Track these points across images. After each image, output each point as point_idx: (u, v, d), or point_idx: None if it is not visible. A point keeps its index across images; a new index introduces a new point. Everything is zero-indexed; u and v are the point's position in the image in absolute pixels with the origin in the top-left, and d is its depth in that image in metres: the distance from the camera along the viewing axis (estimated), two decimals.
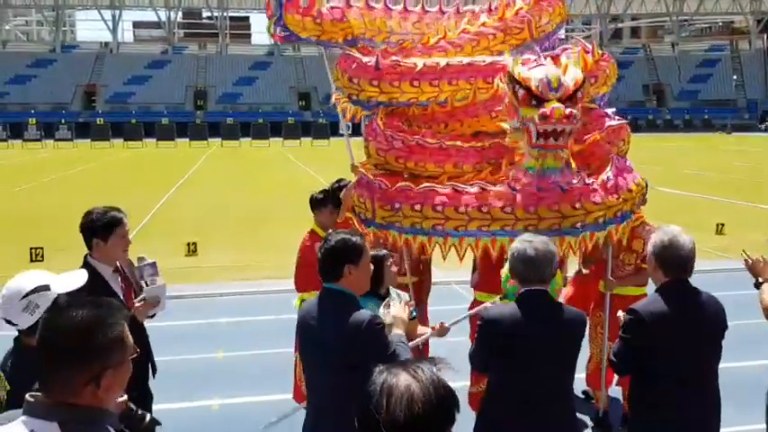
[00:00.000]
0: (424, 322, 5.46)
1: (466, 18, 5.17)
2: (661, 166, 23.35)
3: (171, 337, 6.97)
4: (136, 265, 3.71)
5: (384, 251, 4.10)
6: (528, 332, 3.01)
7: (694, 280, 3.28)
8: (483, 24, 5.05)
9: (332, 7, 4.85)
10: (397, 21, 4.97)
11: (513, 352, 3.04)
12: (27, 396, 1.69)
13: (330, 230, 4.86)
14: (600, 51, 4.71)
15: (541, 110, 3.91)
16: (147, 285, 3.66)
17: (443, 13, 5.17)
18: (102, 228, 3.57)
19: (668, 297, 3.12)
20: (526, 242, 3.09)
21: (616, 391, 5.31)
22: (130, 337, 1.74)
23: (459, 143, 4.51)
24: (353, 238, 3.05)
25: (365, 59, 4.55)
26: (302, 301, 5.13)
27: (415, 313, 4.09)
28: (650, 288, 5.06)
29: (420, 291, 5.24)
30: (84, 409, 1.64)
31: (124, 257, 3.73)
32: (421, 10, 5.13)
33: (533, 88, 3.97)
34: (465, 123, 4.71)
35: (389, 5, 5.03)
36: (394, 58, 4.62)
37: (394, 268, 4.01)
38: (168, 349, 6.50)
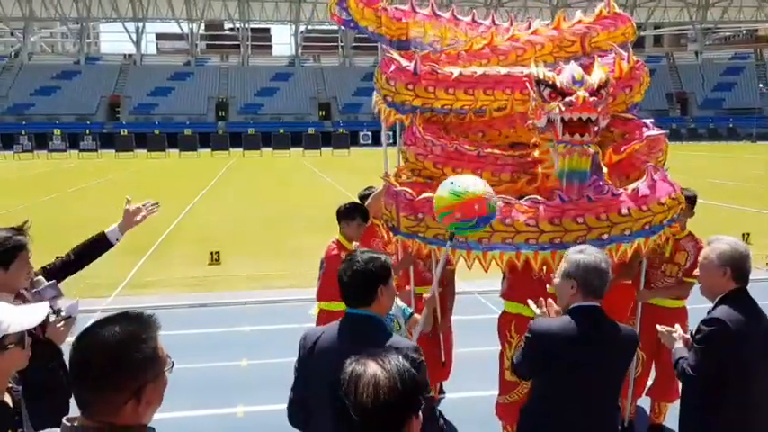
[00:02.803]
0: (447, 333, 5.45)
1: (516, 24, 5.14)
2: (685, 175, 23.04)
3: (194, 345, 7.03)
4: (33, 289, 3.34)
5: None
6: (578, 349, 2.96)
7: None
8: (535, 32, 5.01)
9: (396, 8, 4.99)
10: (464, 31, 5.04)
11: (559, 368, 2.99)
12: (64, 420, 1.66)
13: (354, 247, 4.83)
14: (634, 58, 4.68)
15: (567, 98, 3.95)
16: (52, 309, 3.24)
17: (511, 26, 5.18)
18: (3, 254, 3.13)
19: (739, 304, 3.14)
20: (591, 255, 3.03)
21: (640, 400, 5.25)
22: (164, 348, 1.71)
23: (497, 151, 4.52)
24: (382, 257, 2.82)
25: (404, 63, 4.59)
26: (321, 310, 5.13)
27: (408, 311, 3.89)
28: (692, 301, 5.05)
29: (444, 301, 5.22)
30: (127, 428, 1.63)
31: (25, 284, 3.31)
32: (490, 22, 5.16)
33: (558, 83, 4.01)
34: (503, 133, 4.72)
35: (457, 16, 5.10)
36: (432, 64, 4.64)
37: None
38: (192, 357, 6.56)
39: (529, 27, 5.06)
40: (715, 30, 77.87)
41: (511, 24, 5.16)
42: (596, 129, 4.06)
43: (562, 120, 3.97)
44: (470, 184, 3.74)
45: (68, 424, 1.64)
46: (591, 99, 3.93)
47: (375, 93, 4.82)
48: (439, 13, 5.04)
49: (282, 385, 5.86)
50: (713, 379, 3.13)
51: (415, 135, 4.51)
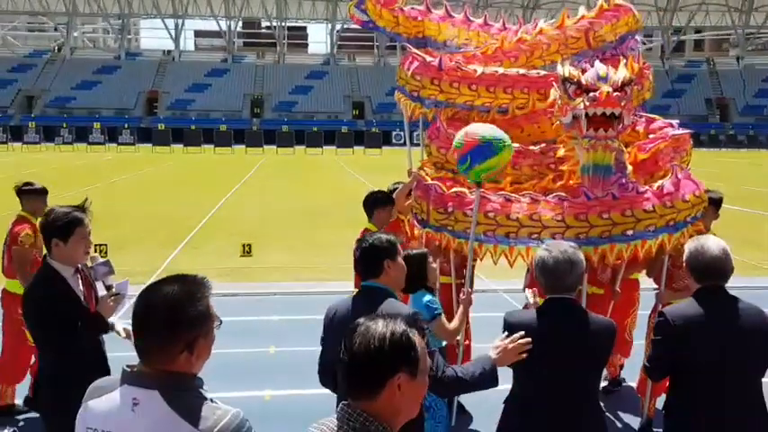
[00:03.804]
0: (467, 328, 5.54)
1: (523, 27, 5.31)
2: (723, 182, 22.73)
3: (225, 332, 7.23)
4: (89, 265, 3.57)
5: (424, 249, 4.22)
6: (549, 341, 2.96)
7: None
8: (540, 32, 5.14)
9: (412, 7, 5.21)
10: (476, 32, 5.21)
11: (532, 359, 2.99)
12: (124, 366, 1.85)
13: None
14: (643, 60, 4.80)
15: (591, 93, 4.04)
16: (104, 285, 3.55)
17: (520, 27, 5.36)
18: (61, 228, 3.37)
19: (698, 302, 3.11)
20: (546, 251, 3.04)
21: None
22: (214, 307, 1.90)
23: (516, 145, 4.64)
24: (389, 236, 3.20)
25: (429, 59, 4.76)
26: None
27: (438, 311, 4.00)
28: None
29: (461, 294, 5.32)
30: (180, 375, 1.81)
31: (84, 259, 3.54)
32: (501, 25, 5.33)
33: (583, 81, 4.11)
34: (525, 130, 4.84)
35: (470, 18, 5.32)
36: (456, 61, 4.81)
37: (434, 265, 4.11)
38: (222, 342, 6.76)
39: (535, 27, 5.22)
40: (758, 35, 76.15)
41: (520, 26, 5.33)
42: (620, 125, 4.14)
43: (586, 115, 4.06)
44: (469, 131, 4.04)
45: (128, 369, 1.83)
46: (614, 94, 4.01)
47: (397, 90, 5.00)
48: (453, 14, 5.25)
49: (307, 372, 6.03)
50: (665, 372, 3.19)
51: (439, 129, 4.67)
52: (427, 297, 3.92)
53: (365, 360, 1.64)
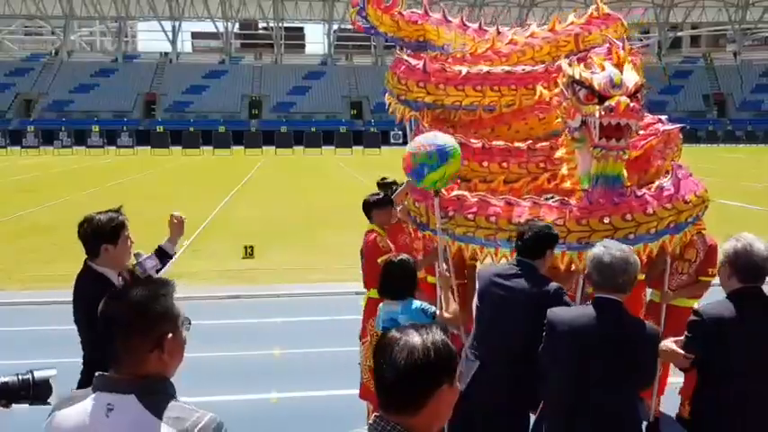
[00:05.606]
0: (470, 325, 5.55)
1: (514, 29, 5.37)
2: (720, 178, 22.77)
3: (229, 335, 7.26)
4: (134, 261, 3.70)
5: (406, 255, 4.21)
6: (590, 340, 2.94)
7: None
8: (532, 35, 5.19)
9: (412, 11, 5.27)
10: (472, 36, 5.29)
11: (576, 360, 2.97)
12: (96, 374, 1.85)
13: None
14: (629, 46, 4.71)
15: (607, 102, 3.94)
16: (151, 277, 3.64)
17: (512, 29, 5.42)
18: (111, 232, 3.52)
19: (734, 302, 3.07)
20: (603, 248, 3.04)
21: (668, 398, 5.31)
22: (183, 307, 1.92)
23: (501, 143, 4.67)
24: (554, 231, 3.74)
25: (414, 62, 4.81)
26: (369, 298, 5.21)
27: (432, 308, 4.07)
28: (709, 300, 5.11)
29: (465, 294, 5.32)
30: (154, 378, 1.82)
31: (128, 260, 3.70)
32: (495, 31, 5.38)
33: (596, 86, 4.00)
34: (513, 127, 4.87)
35: (466, 23, 5.38)
36: (442, 63, 4.87)
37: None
38: (226, 346, 6.79)
39: (526, 30, 5.32)
40: (755, 30, 76.22)
41: (513, 28, 5.41)
42: (631, 130, 4.11)
43: (600, 124, 4.01)
44: (447, 139, 4.13)
45: (102, 376, 1.84)
46: (632, 105, 3.93)
47: (388, 93, 5.05)
48: (450, 18, 5.33)
49: (313, 374, 6.11)
50: (693, 365, 3.17)
51: (422, 131, 4.70)
52: (416, 303, 3.97)
53: (411, 375, 1.58)
